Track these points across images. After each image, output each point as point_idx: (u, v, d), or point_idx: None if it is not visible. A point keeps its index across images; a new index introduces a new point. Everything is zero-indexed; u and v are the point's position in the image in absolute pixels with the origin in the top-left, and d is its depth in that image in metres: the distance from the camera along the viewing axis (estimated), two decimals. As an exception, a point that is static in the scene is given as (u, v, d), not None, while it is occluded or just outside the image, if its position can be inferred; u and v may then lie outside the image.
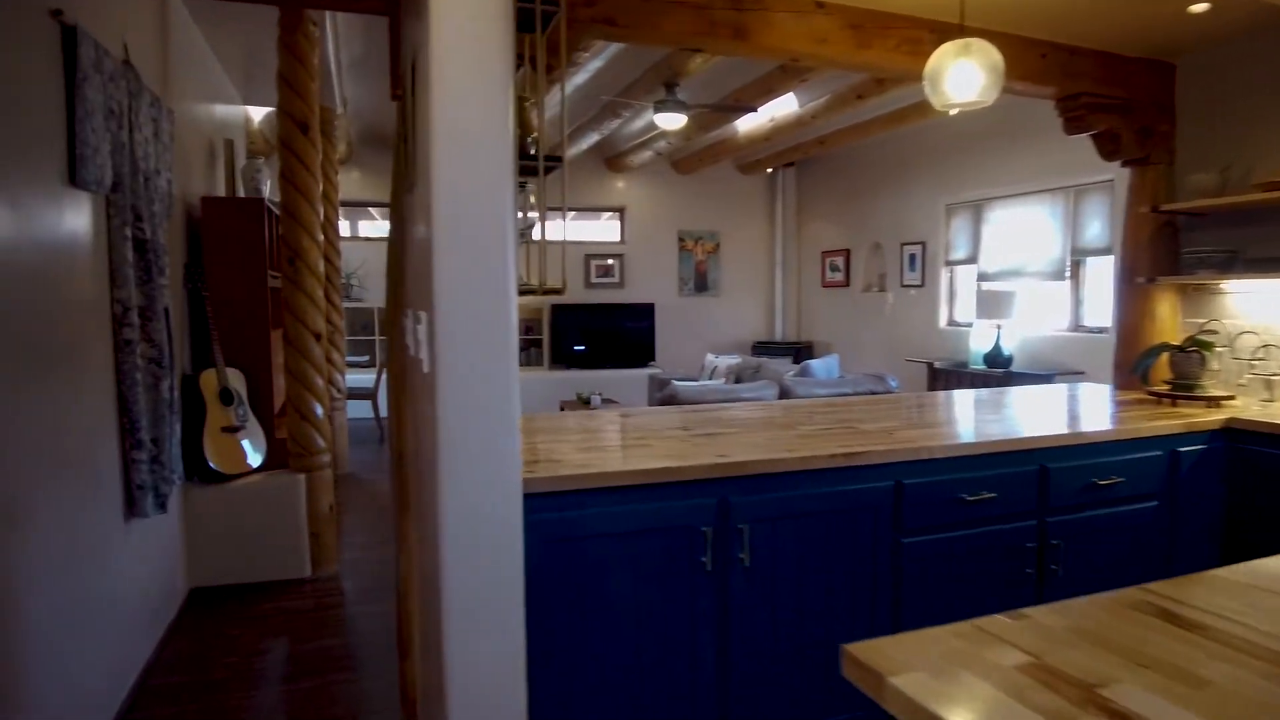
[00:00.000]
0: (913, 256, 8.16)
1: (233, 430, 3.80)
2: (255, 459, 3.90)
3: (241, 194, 4.50)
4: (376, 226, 9.28)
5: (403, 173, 2.42)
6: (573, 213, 9.93)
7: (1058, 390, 3.78)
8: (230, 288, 3.95)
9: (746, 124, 7.76)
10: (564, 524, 1.96)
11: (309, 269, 3.83)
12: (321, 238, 3.93)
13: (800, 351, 9.74)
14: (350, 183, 8.67)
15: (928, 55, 2.49)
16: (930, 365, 7.36)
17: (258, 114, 6.80)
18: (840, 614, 2.28)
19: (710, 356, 7.57)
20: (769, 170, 9.85)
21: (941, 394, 3.68)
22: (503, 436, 1.79)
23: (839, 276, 9.41)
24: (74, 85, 2.36)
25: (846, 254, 9.25)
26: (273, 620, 3.45)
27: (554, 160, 1.95)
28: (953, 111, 2.59)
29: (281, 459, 4.00)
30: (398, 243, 2.50)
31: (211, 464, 3.69)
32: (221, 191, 4.61)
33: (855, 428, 2.64)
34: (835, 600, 2.27)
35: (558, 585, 1.97)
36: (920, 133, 7.72)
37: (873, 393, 4.65)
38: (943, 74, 2.43)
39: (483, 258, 1.72)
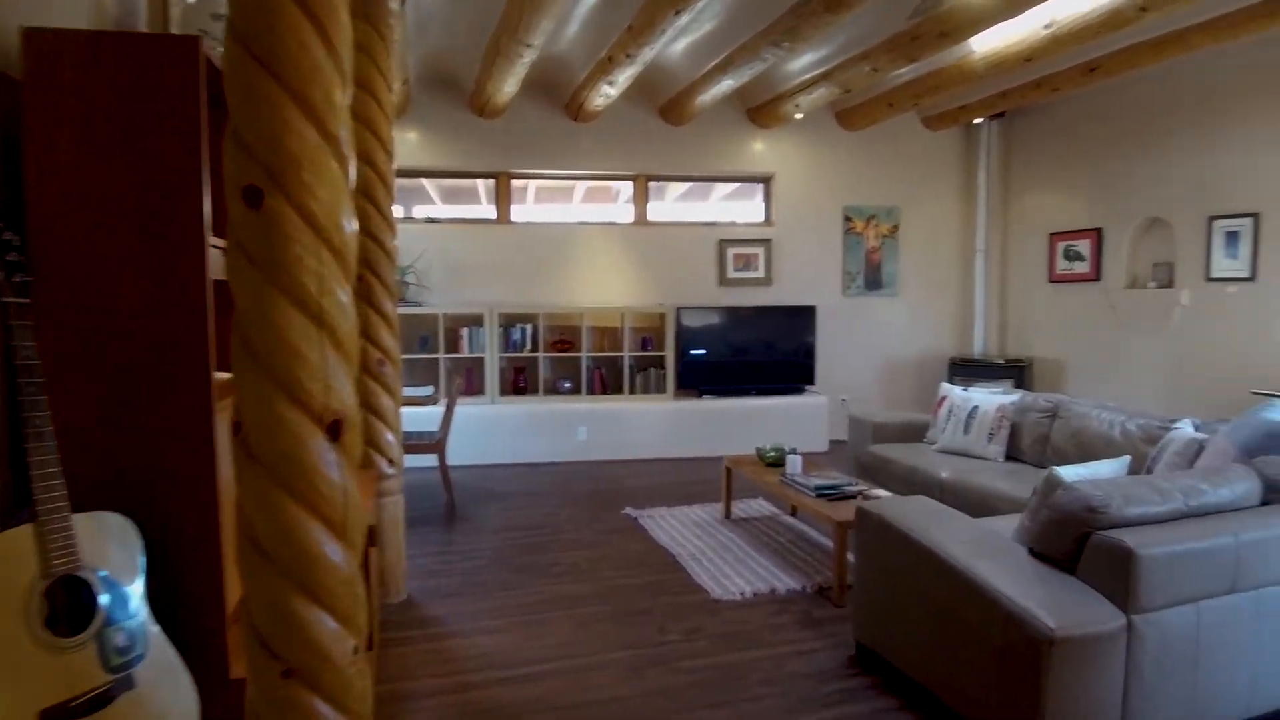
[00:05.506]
0: (1232, 235, 5.39)
1: (83, 711, 1.30)
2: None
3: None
4: (436, 210, 6.86)
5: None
6: (701, 182, 7.36)
7: None
8: (100, 275, 1.48)
9: (987, 44, 5.11)
10: None
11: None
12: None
13: (1020, 372, 7.04)
14: (405, 146, 6.22)
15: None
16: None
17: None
18: None
19: (953, 390, 4.88)
20: (975, 122, 7.09)
21: None
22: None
23: (1081, 268, 6.64)
24: None
25: (1095, 236, 6.49)
26: None
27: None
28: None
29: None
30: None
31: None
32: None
33: None
34: None
35: None
36: (1248, 53, 5.03)
37: None
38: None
39: None
